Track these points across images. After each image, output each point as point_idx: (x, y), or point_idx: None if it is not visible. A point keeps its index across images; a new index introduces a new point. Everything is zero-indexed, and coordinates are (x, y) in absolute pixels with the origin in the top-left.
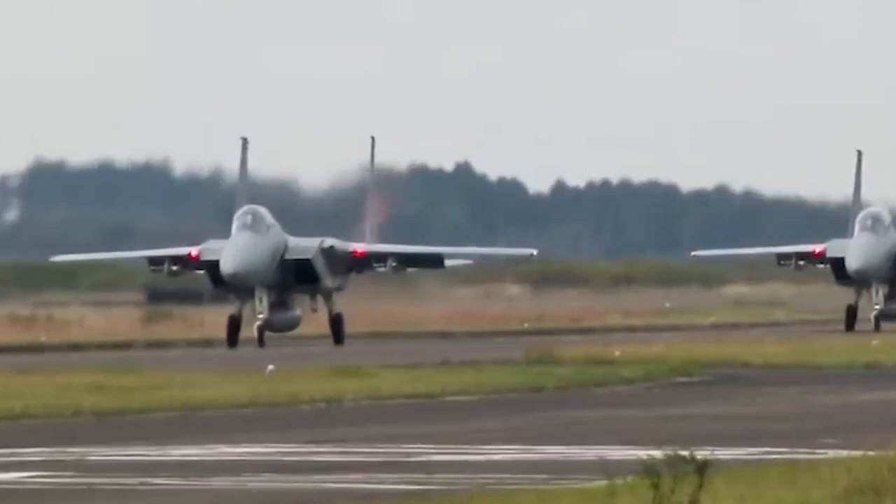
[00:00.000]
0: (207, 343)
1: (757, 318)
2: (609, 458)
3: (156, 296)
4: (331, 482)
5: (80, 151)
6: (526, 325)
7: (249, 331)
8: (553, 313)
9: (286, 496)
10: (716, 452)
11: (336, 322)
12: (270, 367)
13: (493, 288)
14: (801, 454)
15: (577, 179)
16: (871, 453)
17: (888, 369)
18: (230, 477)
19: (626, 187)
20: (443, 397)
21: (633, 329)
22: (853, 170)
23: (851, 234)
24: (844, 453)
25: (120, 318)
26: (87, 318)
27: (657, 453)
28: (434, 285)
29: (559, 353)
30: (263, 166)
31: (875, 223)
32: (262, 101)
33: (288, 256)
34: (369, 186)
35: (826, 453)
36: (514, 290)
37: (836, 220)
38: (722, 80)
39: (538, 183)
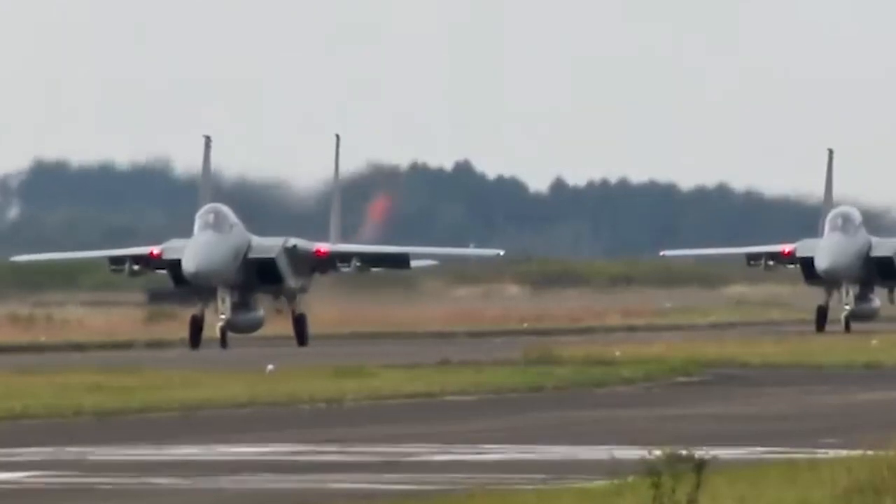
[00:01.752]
0: (207, 343)
1: (755, 317)
2: (610, 457)
3: (156, 296)
4: (331, 482)
5: (80, 152)
6: (525, 325)
7: (213, 332)
8: (553, 313)
9: (286, 496)
10: (716, 452)
11: (299, 323)
12: (270, 366)
13: (492, 288)
14: (801, 454)
15: (576, 178)
16: (871, 453)
17: (888, 369)
18: (230, 477)
19: (625, 187)
20: (443, 397)
21: (633, 329)
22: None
23: (822, 234)
24: (844, 453)
25: (120, 318)
26: (87, 318)
27: (658, 452)
28: (434, 285)
29: (559, 353)
30: (260, 167)
31: (845, 223)
32: (259, 102)
33: (251, 256)
34: (334, 186)
35: (826, 453)
36: (513, 290)
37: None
38: (722, 80)
39: (538, 182)
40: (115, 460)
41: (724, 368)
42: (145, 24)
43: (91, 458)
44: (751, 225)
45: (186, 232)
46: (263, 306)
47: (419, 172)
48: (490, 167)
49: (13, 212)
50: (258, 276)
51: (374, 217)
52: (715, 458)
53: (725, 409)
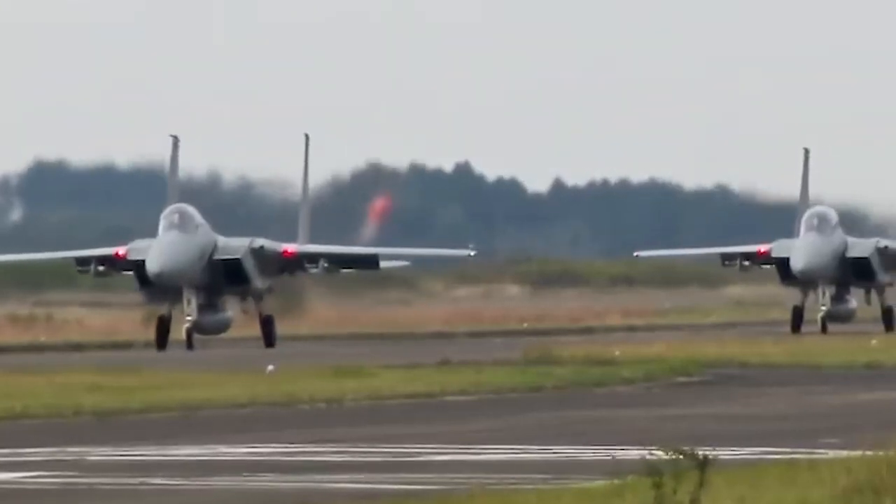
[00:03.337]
0: (207, 343)
1: (755, 317)
2: (611, 457)
3: (153, 295)
4: (331, 482)
5: (80, 152)
6: (525, 325)
7: (181, 333)
8: (553, 313)
9: (286, 496)
10: (716, 452)
11: (266, 324)
12: (270, 367)
13: (492, 288)
14: (801, 454)
15: (576, 178)
16: (870, 453)
17: (888, 369)
18: (230, 477)
19: (625, 186)
20: (443, 397)
21: (633, 329)
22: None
23: (797, 234)
24: (844, 453)
25: (120, 318)
26: (86, 318)
27: (660, 452)
28: (434, 285)
29: (559, 354)
30: (260, 168)
31: (821, 223)
32: (258, 103)
33: (217, 256)
34: (304, 185)
35: (826, 453)
36: (513, 290)
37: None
38: (721, 79)
39: (537, 182)
40: (115, 460)
41: (724, 368)
42: (145, 24)
43: (91, 458)
44: (751, 225)
45: None
46: (232, 307)
47: (418, 173)
48: (489, 168)
49: (13, 212)
50: (224, 276)
51: (374, 217)
52: (716, 458)
53: (725, 409)
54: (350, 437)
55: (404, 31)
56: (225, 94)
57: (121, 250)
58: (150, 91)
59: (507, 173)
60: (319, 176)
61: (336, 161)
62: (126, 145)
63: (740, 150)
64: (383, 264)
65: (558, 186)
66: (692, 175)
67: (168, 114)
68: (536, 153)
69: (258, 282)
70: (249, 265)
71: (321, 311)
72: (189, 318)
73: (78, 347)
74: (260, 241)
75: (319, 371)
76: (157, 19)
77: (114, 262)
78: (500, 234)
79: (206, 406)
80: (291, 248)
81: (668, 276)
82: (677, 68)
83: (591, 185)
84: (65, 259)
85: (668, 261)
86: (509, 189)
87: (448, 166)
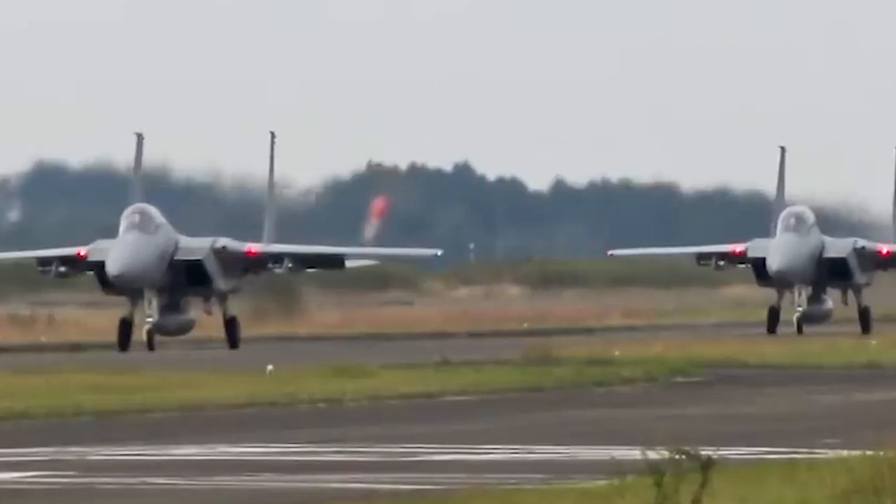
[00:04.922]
0: (207, 343)
1: (755, 317)
2: (610, 457)
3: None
4: (331, 482)
5: (80, 152)
6: (525, 325)
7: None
8: (553, 313)
9: (286, 496)
10: (716, 452)
11: (230, 325)
12: (270, 367)
13: (492, 288)
14: (801, 454)
15: (576, 178)
16: (870, 453)
17: (888, 369)
18: (230, 477)
19: (626, 186)
20: (443, 397)
21: (633, 329)
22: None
23: (774, 234)
24: (844, 453)
25: (120, 319)
26: (87, 319)
27: (662, 452)
28: (434, 285)
29: (558, 354)
30: (258, 168)
31: (798, 223)
32: (257, 103)
33: (178, 257)
34: (270, 184)
35: (826, 453)
36: (513, 290)
37: (834, 220)
38: (721, 79)
39: (538, 182)
40: (115, 460)
41: (724, 368)
42: (146, 24)
43: (91, 458)
44: (751, 225)
45: (188, 232)
46: (195, 308)
47: (418, 173)
48: (490, 168)
49: (13, 213)
50: (186, 277)
51: (374, 217)
52: (719, 459)
53: (725, 409)
54: (350, 437)
55: (404, 31)
56: (223, 94)
57: (82, 250)
58: (149, 91)
59: (507, 173)
60: (319, 176)
61: (336, 161)
62: (125, 145)
63: (740, 150)
64: (349, 264)
65: (559, 186)
66: (692, 175)
67: (167, 114)
68: (537, 152)
69: (221, 282)
70: (211, 266)
71: (321, 311)
72: (150, 319)
73: (78, 347)
74: (222, 241)
75: (319, 371)
76: (157, 19)
77: (75, 263)
78: (500, 234)
79: (206, 406)
80: (255, 247)
81: (668, 276)
82: (677, 68)
83: (592, 185)
84: (26, 259)
85: (669, 261)
86: (510, 189)
87: (448, 166)
